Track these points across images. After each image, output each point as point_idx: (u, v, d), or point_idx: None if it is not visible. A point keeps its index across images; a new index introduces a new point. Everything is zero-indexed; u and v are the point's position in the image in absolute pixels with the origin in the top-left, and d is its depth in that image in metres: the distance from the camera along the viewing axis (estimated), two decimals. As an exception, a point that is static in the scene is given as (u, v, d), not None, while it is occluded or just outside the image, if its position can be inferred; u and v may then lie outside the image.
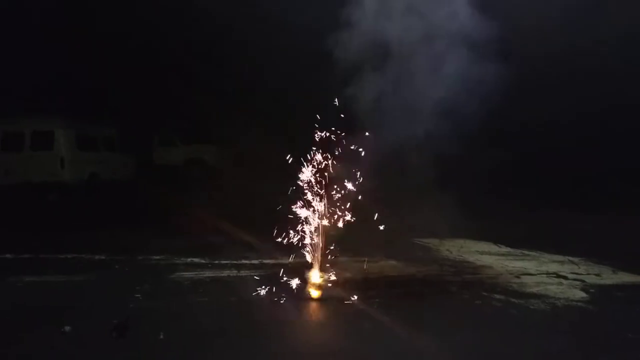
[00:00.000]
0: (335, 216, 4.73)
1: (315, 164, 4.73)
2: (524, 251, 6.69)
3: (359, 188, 4.77)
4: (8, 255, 6.28)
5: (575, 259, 6.14)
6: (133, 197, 12.01)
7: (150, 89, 13.67)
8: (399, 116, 6.63)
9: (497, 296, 4.65)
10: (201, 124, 14.95)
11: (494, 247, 6.96)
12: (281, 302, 4.38)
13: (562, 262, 6.01)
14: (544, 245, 6.88)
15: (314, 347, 3.66)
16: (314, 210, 4.71)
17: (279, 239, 4.78)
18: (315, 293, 4.56)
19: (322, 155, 4.74)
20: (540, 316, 4.15)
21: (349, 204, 4.76)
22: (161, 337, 3.66)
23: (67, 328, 3.83)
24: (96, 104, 12.54)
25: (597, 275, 5.43)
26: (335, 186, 4.75)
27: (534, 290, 4.84)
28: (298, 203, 4.75)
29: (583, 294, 4.72)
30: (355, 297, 4.46)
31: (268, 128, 12.42)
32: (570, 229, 8.17)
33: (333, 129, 4.75)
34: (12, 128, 10.96)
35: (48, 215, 9.79)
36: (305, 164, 4.75)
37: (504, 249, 6.86)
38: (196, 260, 6.01)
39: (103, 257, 6.24)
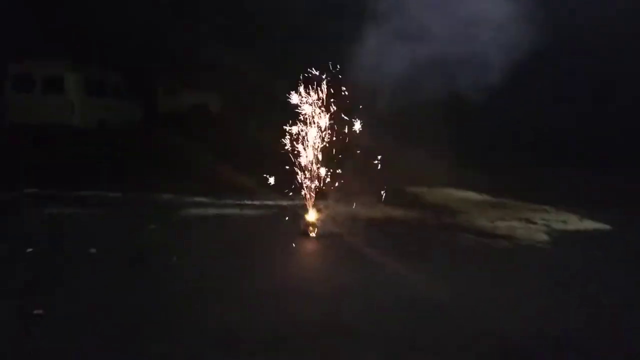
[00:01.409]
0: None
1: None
2: (504, 200, 7.25)
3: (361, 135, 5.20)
4: (34, 191, 6.89)
5: (550, 208, 6.71)
6: (138, 143, 12.49)
7: (156, 36, 13.80)
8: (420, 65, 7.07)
9: (469, 236, 5.26)
10: (204, 71, 15.19)
11: (477, 196, 7.53)
12: (280, 236, 4.98)
13: (536, 210, 6.58)
14: (526, 196, 7.39)
15: (307, 271, 4.30)
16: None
17: (279, 183, 5.28)
18: (309, 229, 5.16)
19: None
20: (503, 252, 4.77)
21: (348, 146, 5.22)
22: (174, 259, 4.29)
23: (93, 250, 4.47)
24: (104, 50, 12.73)
25: (564, 222, 6.01)
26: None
27: (503, 232, 5.44)
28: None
29: (545, 237, 5.32)
30: (342, 234, 5.06)
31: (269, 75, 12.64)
32: (561, 183, 8.45)
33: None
34: (22, 70, 11.25)
35: (58, 158, 10.34)
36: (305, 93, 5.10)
37: (487, 198, 7.43)
38: (202, 199, 6.60)
39: (118, 195, 6.84)
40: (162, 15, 13.28)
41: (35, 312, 3.15)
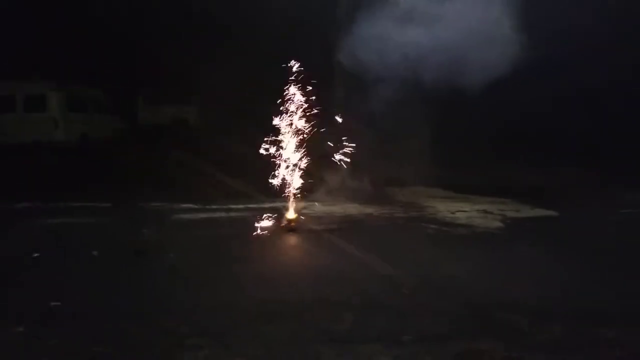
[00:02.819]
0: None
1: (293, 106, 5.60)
2: (466, 195, 7.98)
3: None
4: (25, 204, 7.28)
5: (506, 200, 7.45)
6: (121, 155, 12.86)
7: (135, 50, 14.20)
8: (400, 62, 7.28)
9: (432, 225, 5.94)
10: (184, 84, 15.68)
11: (441, 192, 8.24)
12: (263, 232, 5.54)
13: (493, 202, 7.32)
14: (484, 190, 8.11)
15: (290, 260, 4.87)
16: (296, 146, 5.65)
17: (261, 187, 5.81)
18: (289, 226, 5.73)
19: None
20: (461, 238, 5.44)
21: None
22: (171, 256, 4.81)
23: (95, 252, 4.94)
24: (83, 66, 13.09)
25: (517, 211, 6.75)
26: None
27: (463, 222, 6.13)
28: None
29: (500, 224, 6.03)
30: (320, 228, 5.66)
31: (248, 86, 13.09)
32: (523, 180, 8.91)
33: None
34: (4, 91, 11.57)
35: (45, 173, 10.66)
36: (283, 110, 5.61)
37: (450, 193, 8.15)
38: (191, 205, 7.11)
39: (109, 205, 7.28)
40: (142, 31, 13.69)
41: (53, 304, 3.64)
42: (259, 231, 5.50)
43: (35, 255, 4.85)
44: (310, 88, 5.63)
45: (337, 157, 5.94)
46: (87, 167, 10.53)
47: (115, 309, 3.52)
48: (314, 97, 5.65)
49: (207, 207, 7.05)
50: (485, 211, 6.72)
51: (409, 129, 8.94)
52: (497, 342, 2.98)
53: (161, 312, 3.43)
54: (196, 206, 7.11)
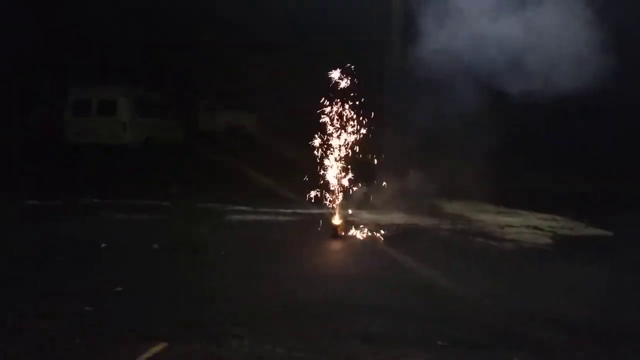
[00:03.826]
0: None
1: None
2: (517, 210, 7.81)
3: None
4: (95, 200, 7.94)
5: (559, 217, 7.24)
6: (183, 157, 13.61)
7: (197, 56, 14.98)
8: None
9: (479, 239, 5.91)
10: (242, 93, 16.37)
11: (491, 207, 8.11)
12: (310, 237, 5.76)
13: (545, 219, 7.13)
14: (541, 207, 7.86)
15: (332, 264, 5.06)
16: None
17: (310, 196, 6.06)
18: (336, 231, 5.91)
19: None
20: (507, 253, 5.39)
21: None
22: (222, 253, 5.14)
23: (156, 245, 5.37)
24: (150, 73, 13.99)
25: (570, 229, 6.56)
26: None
27: (512, 237, 6.05)
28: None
29: (549, 241, 5.90)
30: (364, 236, 5.80)
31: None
32: (580, 197, 8.46)
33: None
34: (84, 96, 12.66)
35: (113, 172, 11.51)
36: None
37: (501, 208, 8.00)
38: (243, 207, 7.47)
39: (168, 203, 7.80)
40: (203, 39, 14.46)
41: (117, 289, 4.04)
42: (305, 235, 5.73)
43: (104, 245, 5.35)
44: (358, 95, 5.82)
45: (384, 166, 6.08)
46: (150, 167, 11.25)
47: (170, 297, 3.85)
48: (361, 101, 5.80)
49: (257, 209, 7.38)
50: (535, 227, 6.58)
51: (468, 139, 8.76)
52: (531, 355, 3.01)
53: (210, 303, 3.73)
54: (247, 208, 7.46)
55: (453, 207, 8.10)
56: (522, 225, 6.68)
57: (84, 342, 3.08)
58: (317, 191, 5.99)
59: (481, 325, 3.41)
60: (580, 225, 6.74)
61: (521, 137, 9.99)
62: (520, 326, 3.41)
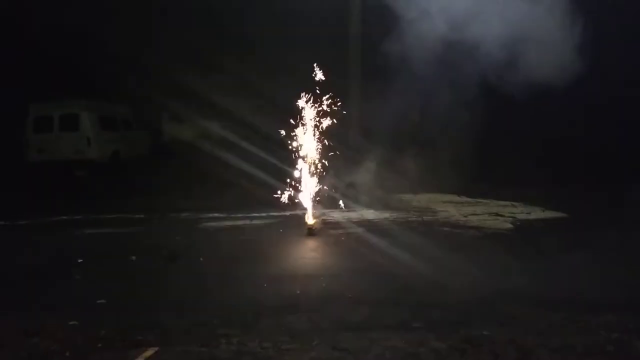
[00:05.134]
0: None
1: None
2: (479, 200, 8.24)
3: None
4: (64, 217, 7.85)
5: (517, 204, 7.69)
6: (150, 169, 13.48)
7: (158, 69, 14.87)
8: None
9: (446, 228, 6.25)
10: (206, 102, 16.33)
11: (455, 198, 8.51)
12: (286, 237, 5.94)
13: (505, 206, 7.57)
14: (499, 196, 8.32)
15: (309, 260, 5.25)
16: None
17: (282, 198, 6.22)
18: (310, 230, 6.10)
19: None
20: (472, 238, 5.74)
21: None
22: (201, 259, 5.24)
23: (133, 258, 5.41)
24: (110, 86, 13.79)
25: (528, 213, 7.00)
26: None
27: (474, 224, 6.42)
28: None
29: (510, 225, 6.30)
30: (337, 232, 6.03)
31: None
32: (540, 189, 8.49)
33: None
34: (45, 112, 12.35)
35: (79, 188, 11.33)
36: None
37: (464, 199, 8.42)
38: (216, 214, 7.57)
39: (142, 216, 7.80)
40: (161, 51, 14.39)
41: (99, 301, 4.09)
42: (281, 236, 5.90)
43: (79, 261, 5.35)
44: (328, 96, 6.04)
45: (353, 165, 6.33)
46: (118, 181, 11.13)
47: (154, 305, 3.94)
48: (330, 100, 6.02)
49: (232, 215, 7.49)
50: (496, 214, 7.01)
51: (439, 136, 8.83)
52: (500, 328, 3.29)
53: (195, 307, 3.85)
54: (221, 215, 7.56)
55: (419, 200, 8.45)
56: (485, 213, 7.07)
57: (75, 354, 3.16)
58: (289, 191, 6.17)
59: (452, 305, 3.68)
60: (537, 210, 7.19)
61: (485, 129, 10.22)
62: (489, 304, 3.71)
